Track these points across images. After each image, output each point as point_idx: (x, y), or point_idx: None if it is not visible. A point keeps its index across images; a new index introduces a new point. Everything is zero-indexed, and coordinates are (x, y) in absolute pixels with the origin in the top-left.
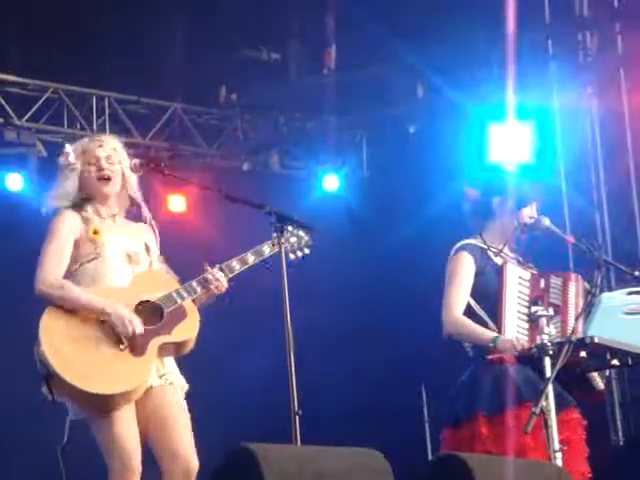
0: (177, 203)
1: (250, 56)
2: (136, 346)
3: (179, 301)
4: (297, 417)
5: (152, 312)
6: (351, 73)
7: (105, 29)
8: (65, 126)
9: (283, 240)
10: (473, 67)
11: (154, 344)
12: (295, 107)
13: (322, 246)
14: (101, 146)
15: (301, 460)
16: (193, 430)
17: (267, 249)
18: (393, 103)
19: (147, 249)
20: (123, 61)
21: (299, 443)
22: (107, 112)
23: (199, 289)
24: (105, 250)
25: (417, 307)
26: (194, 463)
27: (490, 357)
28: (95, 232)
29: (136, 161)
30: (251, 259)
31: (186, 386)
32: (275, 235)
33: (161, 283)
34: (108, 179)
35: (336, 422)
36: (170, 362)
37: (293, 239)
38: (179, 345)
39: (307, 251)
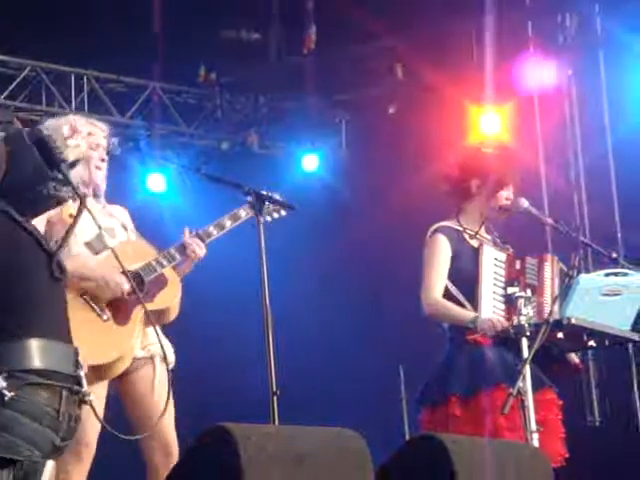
0: (156, 182)
1: (230, 36)
2: (119, 316)
3: (159, 269)
4: (275, 397)
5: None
6: (331, 54)
7: (84, 7)
8: (44, 104)
9: (260, 216)
10: (453, 49)
11: (137, 312)
12: (274, 87)
13: (301, 226)
14: (104, 136)
15: (279, 439)
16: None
17: (243, 213)
18: (372, 84)
19: (123, 226)
20: (102, 39)
21: (277, 423)
22: (86, 90)
23: (178, 256)
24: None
25: (396, 287)
26: (174, 442)
27: (469, 337)
28: (70, 216)
29: (115, 140)
30: (228, 223)
31: (171, 357)
32: (250, 199)
33: (140, 253)
34: (101, 169)
35: (313, 402)
36: (153, 333)
37: (268, 204)
38: (162, 312)
39: (283, 213)
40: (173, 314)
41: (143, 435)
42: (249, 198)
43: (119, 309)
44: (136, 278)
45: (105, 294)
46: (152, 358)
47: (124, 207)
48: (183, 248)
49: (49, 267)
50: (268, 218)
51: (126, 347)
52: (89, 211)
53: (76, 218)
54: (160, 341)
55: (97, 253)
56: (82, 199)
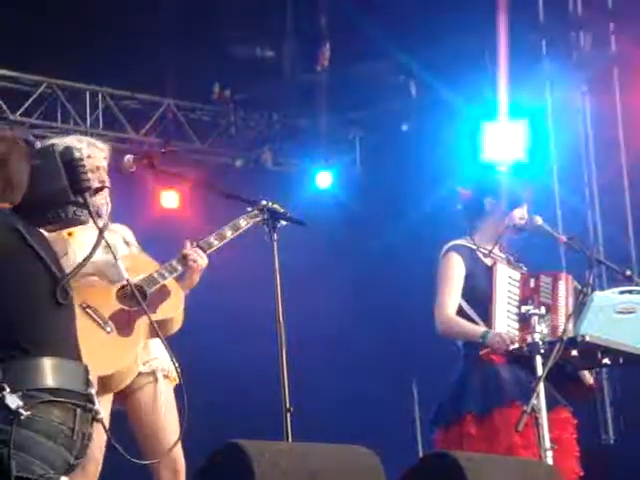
0: (170, 199)
1: (244, 53)
2: (122, 328)
3: (161, 281)
4: (289, 414)
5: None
6: (345, 71)
7: (100, 24)
8: (59, 121)
9: (260, 216)
10: (467, 66)
11: (139, 324)
12: (288, 104)
13: (315, 243)
14: (105, 157)
15: (293, 457)
16: (181, 425)
17: (243, 222)
18: (386, 101)
19: (125, 241)
20: (117, 56)
21: (290, 440)
22: (100, 107)
23: (180, 267)
24: (73, 248)
25: (409, 304)
26: (181, 459)
27: (482, 353)
28: (69, 234)
29: (129, 157)
30: (229, 233)
31: (173, 373)
32: (250, 209)
33: (142, 266)
34: (103, 189)
35: (327, 419)
36: (156, 348)
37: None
38: (165, 323)
39: (284, 223)
40: (176, 326)
41: (153, 461)
42: (249, 208)
43: (122, 321)
44: (138, 290)
45: (107, 274)
46: (154, 373)
47: (127, 225)
48: (184, 259)
49: (54, 292)
50: (267, 228)
51: (131, 358)
52: (108, 244)
53: (94, 248)
54: (170, 354)
55: (113, 283)
56: (101, 230)
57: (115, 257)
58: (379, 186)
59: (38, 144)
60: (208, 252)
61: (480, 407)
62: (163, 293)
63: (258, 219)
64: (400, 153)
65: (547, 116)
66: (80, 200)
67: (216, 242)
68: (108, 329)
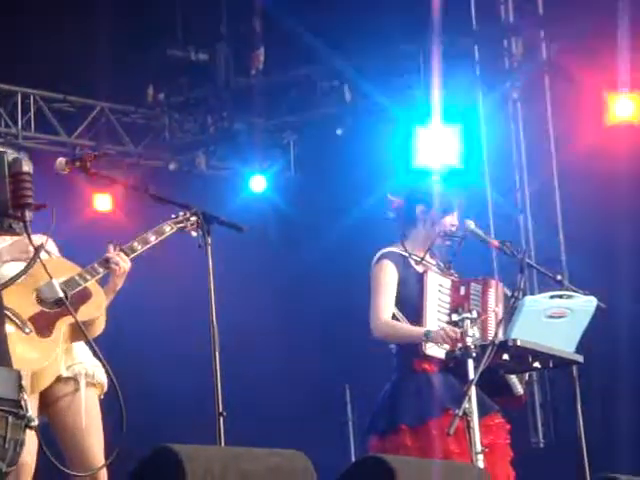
0: (103, 202)
1: (178, 56)
2: (42, 329)
3: (82, 283)
4: (221, 418)
5: None
6: (279, 75)
7: (32, 27)
8: None
9: (185, 222)
10: (400, 70)
11: (59, 326)
12: (222, 108)
13: (250, 247)
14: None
15: (225, 460)
16: (112, 429)
17: (168, 228)
18: (321, 105)
19: (46, 251)
20: (49, 59)
21: (223, 444)
22: (33, 110)
23: (101, 270)
24: None
25: (344, 309)
26: (102, 471)
27: (417, 360)
28: None
29: (62, 159)
30: (152, 238)
31: (102, 378)
32: (174, 215)
33: (62, 269)
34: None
35: (259, 423)
36: (81, 353)
37: (194, 218)
38: (87, 325)
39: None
40: (98, 329)
41: (84, 474)
42: (173, 215)
43: (42, 323)
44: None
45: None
46: (76, 380)
47: (48, 234)
48: (106, 262)
49: None
50: (193, 234)
51: (52, 355)
52: (42, 264)
53: (28, 265)
54: (102, 362)
55: (44, 301)
56: (37, 250)
57: (50, 276)
58: (313, 190)
59: None
60: (131, 256)
61: (415, 419)
62: (84, 295)
63: (182, 225)
64: (334, 157)
65: (479, 122)
66: (18, 214)
67: (139, 247)
68: (27, 330)
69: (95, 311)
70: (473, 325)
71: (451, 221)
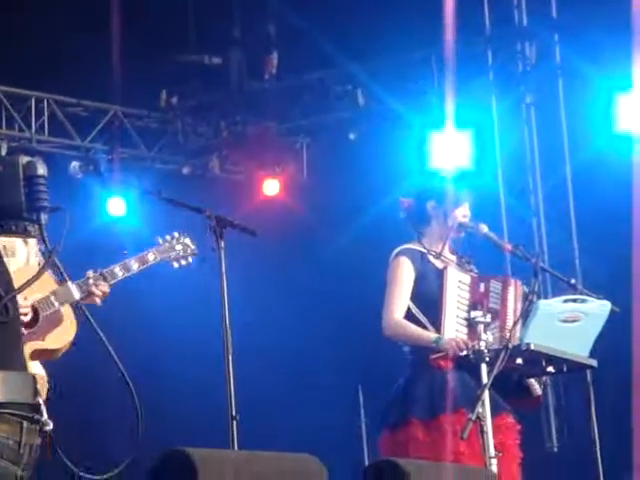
0: (116, 206)
1: (192, 60)
2: None
3: (56, 305)
4: (234, 421)
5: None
6: (292, 79)
7: (44, 31)
8: (4, 127)
9: (169, 252)
10: (414, 75)
11: (26, 350)
12: (236, 112)
13: (263, 251)
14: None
15: (237, 464)
16: (125, 432)
17: (151, 256)
18: (334, 110)
19: (25, 242)
20: (63, 63)
21: (236, 447)
22: (46, 114)
23: (77, 295)
24: None
25: (356, 311)
26: None
27: (432, 357)
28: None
29: (76, 164)
30: (135, 266)
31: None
32: (161, 242)
33: (40, 284)
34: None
35: (273, 427)
36: (36, 366)
37: (179, 247)
38: (51, 352)
39: (190, 260)
40: (61, 353)
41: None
42: (160, 240)
43: None
44: (33, 312)
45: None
46: None
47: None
48: (85, 286)
49: None
50: (175, 265)
51: None
52: (58, 266)
53: (41, 270)
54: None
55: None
56: (52, 252)
57: (66, 278)
58: (326, 194)
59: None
60: (112, 282)
61: (426, 413)
62: (55, 319)
63: (166, 255)
64: (347, 161)
65: (493, 126)
66: (33, 217)
67: (120, 273)
68: None
69: (63, 340)
70: (487, 329)
71: (463, 212)
